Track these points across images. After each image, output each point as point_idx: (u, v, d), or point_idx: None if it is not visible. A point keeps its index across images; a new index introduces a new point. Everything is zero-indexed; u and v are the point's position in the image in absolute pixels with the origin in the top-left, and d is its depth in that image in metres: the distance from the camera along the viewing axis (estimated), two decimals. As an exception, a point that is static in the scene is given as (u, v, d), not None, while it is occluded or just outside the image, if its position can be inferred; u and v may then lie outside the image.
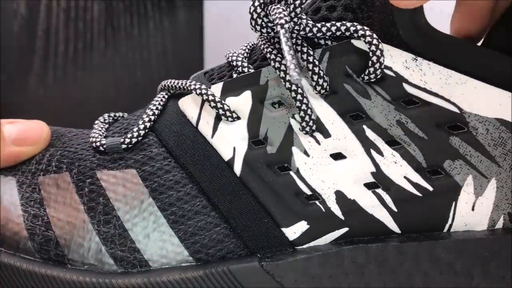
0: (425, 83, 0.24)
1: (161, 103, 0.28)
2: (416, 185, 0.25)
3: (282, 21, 0.22)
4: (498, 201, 0.25)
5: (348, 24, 0.24)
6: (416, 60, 0.24)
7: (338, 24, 0.24)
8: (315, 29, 0.24)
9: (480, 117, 0.24)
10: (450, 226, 0.26)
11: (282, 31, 0.22)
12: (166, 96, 0.28)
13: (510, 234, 0.25)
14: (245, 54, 0.27)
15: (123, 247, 0.26)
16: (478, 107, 0.24)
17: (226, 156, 0.26)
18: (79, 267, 0.26)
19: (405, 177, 0.25)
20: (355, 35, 0.24)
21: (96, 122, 0.30)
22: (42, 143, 0.29)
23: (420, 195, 0.25)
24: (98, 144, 0.27)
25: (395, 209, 0.25)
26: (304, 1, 0.23)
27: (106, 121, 0.30)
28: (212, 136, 0.26)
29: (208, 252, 0.26)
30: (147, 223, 0.26)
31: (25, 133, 0.29)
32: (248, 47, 0.28)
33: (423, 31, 0.24)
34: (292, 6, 0.23)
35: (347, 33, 0.24)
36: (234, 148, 0.25)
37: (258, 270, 0.25)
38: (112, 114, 0.30)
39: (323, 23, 0.24)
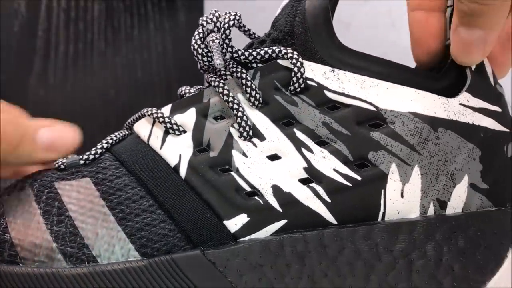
0: (343, 88, 0.28)
1: (121, 134, 0.31)
2: (345, 176, 0.28)
3: (213, 38, 0.29)
4: (425, 188, 0.28)
5: (274, 48, 0.29)
6: (333, 71, 0.28)
7: (266, 48, 0.29)
8: (247, 53, 0.29)
9: (395, 112, 0.28)
10: (384, 214, 0.28)
11: (212, 44, 0.28)
12: (126, 132, 0.32)
13: (441, 217, 0.28)
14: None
15: (73, 243, 0.27)
16: (392, 104, 0.28)
17: (173, 162, 0.28)
18: (29, 264, 0.27)
19: (334, 169, 0.28)
20: (280, 55, 0.29)
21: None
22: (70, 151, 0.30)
23: (350, 185, 0.28)
24: (59, 163, 0.30)
25: (329, 200, 0.28)
26: (231, 25, 0.29)
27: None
28: (161, 148, 0.29)
29: (154, 247, 0.27)
30: (97, 221, 0.28)
31: (59, 140, 0.30)
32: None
33: (336, 49, 0.29)
34: (222, 30, 0.29)
35: (274, 55, 0.29)
36: (180, 155, 0.28)
37: (200, 258, 0.27)
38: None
39: (255, 49, 0.29)
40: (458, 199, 0.28)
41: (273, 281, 0.27)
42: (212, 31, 0.30)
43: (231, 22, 0.29)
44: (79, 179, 0.29)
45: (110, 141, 0.31)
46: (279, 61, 0.29)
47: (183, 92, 0.32)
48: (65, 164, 0.30)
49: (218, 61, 0.28)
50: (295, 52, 0.28)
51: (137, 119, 0.31)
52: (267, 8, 0.35)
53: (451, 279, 0.28)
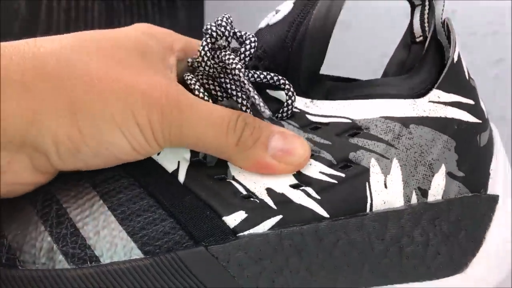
0: (322, 112, 0.31)
1: None
2: (331, 176, 0.29)
3: (239, 66, 0.30)
4: (405, 178, 0.30)
5: (279, 77, 0.31)
6: (313, 101, 0.31)
7: (272, 74, 0.31)
8: (255, 75, 0.31)
9: (368, 119, 0.31)
10: (371, 205, 0.30)
11: (240, 74, 0.29)
12: None
13: (424, 204, 0.30)
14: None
15: (74, 244, 0.27)
16: (364, 114, 0.31)
17: (171, 168, 0.29)
18: (30, 267, 0.27)
19: (320, 172, 0.30)
20: (280, 84, 0.31)
21: None
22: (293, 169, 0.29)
23: (336, 182, 0.29)
24: None
25: (318, 197, 0.29)
26: (252, 53, 0.30)
27: None
28: (158, 154, 0.30)
29: (156, 244, 0.28)
30: (98, 222, 0.28)
31: (290, 152, 0.29)
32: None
33: (315, 84, 0.32)
34: (242, 56, 0.30)
35: (276, 83, 0.31)
36: (178, 162, 0.29)
37: (204, 253, 0.27)
38: None
39: (263, 73, 0.31)
40: (437, 187, 0.30)
41: (272, 274, 0.28)
42: (223, 46, 0.31)
43: (252, 50, 0.31)
44: (76, 181, 0.29)
45: None
46: (268, 91, 0.31)
47: None
48: None
49: (264, 109, 0.29)
50: (291, 87, 0.31)
51: None
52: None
53: (438, 263, 0.30)
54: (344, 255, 0.29)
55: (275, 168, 0.29)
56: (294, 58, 0.31)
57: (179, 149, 0.29)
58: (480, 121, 0.32)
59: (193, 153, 0.29)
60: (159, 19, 0.66)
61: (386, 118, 0.30)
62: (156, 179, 0.29)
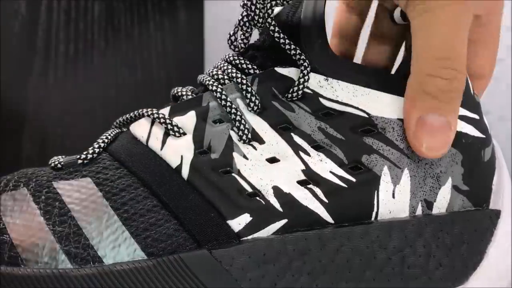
0: (337, 96, 0.30)
1: (112, 133, 0.31)
2: (341, 178, 0.29)
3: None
4: (413, 189, 0.30)
5: (298, 51, 0.30)
6: (327, 80, 0.30)
7: (292, 45, 0.30)
8: (281, 41, 0.30)
9: (385, 119, 0.30)
10: (377, 214, 0.29)
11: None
12: (117, 131, 0.32)
13: (428, 217, 0.30)
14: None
15: (77, 244, 0.27)
16: (382, 111, 0.30)
17: (174, 163, 0.29)
18: (32, 266, 0.27)
19: (330, 171, 0.29)
20: (298, 57, 0.30)
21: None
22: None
23: (346, 186, 0.29)
24: (56, 162, 0.30)
25: (326, 200, 0.29)
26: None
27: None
28: (161, 149, 0.29)
29: (160, 246, 0.27)
30: (101, 221, 0.28)
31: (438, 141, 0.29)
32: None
33: (329, 59, 0.30)
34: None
35: (294, 53, 0.30)
36: (182, 156, 0.29)
37: (207, 257, 0.27)
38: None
39: (283, 38, 0.30)
40: (443, 200, 0.30)
41: (275, 277, 0.28)
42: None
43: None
44: (79, 179, 0.29)
45: (106, 140, 0.31)
46: (276, 69, 0.30)
47: (179, 93, 0.32)
48: (62, 163, 0.30)
49: None
50: (307, 61, 0.30)
51: (133, 119, 0.32)
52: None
53: (439, 274, 0.30)
54: (346, 261, 0.29)
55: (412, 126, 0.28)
56: (302, 32, 0.30)
57: (183, 142, 0.29)
58: (484, 136, 0.32)
59: (197, 144, 0.29)
60: (159, 19, 0.66)
61: (403, 122, 0.30)
62: (159, 177, 0.29)
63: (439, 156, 0.29)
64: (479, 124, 0.32)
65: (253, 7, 0.30)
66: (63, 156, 0.31)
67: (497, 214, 0.32)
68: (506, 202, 0.33)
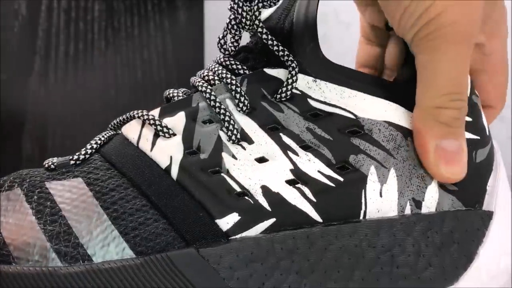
0: (325, 98, 0.30)
1: (106, 135, 0.32)
2: (329, 177, 0.29)
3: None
4: (401, 188, 0.30)
5: (285, 50, 0.30)
6: (316, 81, 0.30)
7: (281, 47, 0.30)
8: (269, 42, 0.30)
9: (372, 121, 0.30)
10: (365, 212, 0.30)
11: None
12: (112, 132, 0.32)
13: (417, 215, 0.30)
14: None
15: (67, 242, 0.27)
16: (369, 113, 0.30)
17: (164, 164, 0.29)
18: (23, 264, 0.27)
19: (318, 171, 0.29)
20: (286, 59, 0.30)
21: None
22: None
23: (334, 185, 0.29)
24: (50, 163, 0.30)
25: (314, 200, 0.29)
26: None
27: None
28: (151, 150, 0.30)
29: (148, 245, 0.28)
30: (91, 220, 0.28)
31: (454, 162, 0.30)
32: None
33: (319, 61, 0.31)
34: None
35: (282, 55, 0.30)
36: (171, 157, 0.29)
37: (194, 255, 0.27)
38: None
39: (271, 39, 0.30)
40: (431, 199, 0.30)
41: (263, 277, 0.28)
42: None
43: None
44: (70, 179, 0.29)
45: (99, 142, 0.31)
46: (265, 70, 0.31)
47: (170, 95, 0.32)
48: (55, 164, 0.30)
49: None
50: (295, 62, 0.30)
51: (125, 121, 0.32)
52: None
53: (429, 274, 0.30)
54: (335, 260, 0.29)
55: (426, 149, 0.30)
56: (294, 35, 0.31)
57: (172, 143, 0.29)
58: (478, 137, 0.32)
59: (187, 145, 0.29)
60: (159, 19, 0.66)
61: (390, 124, 0.30)
62: (149, 177, 0.29)
63: (460, 179, 0.30)
64: (472, 126, 0.32)
65: (240, 10, 0.31)
66: (57, 157, 0.31)
67: (489, 215, 0.31)
68: (501, 203, 0.32)
